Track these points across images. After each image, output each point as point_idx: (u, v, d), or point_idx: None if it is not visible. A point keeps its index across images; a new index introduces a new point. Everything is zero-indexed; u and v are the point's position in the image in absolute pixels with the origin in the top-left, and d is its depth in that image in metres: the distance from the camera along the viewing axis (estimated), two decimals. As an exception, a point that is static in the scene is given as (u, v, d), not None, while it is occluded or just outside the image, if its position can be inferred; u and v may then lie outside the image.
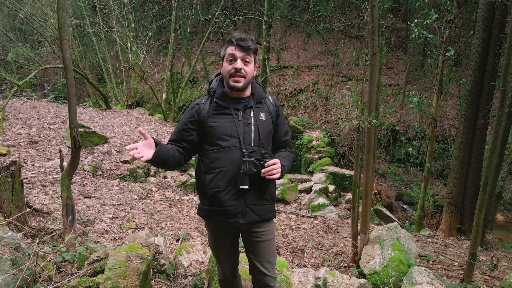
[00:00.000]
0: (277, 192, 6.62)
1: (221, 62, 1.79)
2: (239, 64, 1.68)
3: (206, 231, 4.25)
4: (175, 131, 1.82)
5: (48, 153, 6.17)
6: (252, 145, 1.72)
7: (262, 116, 1.79)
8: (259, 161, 1.63)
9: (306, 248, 4.25)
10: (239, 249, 2.02)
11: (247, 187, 1.64)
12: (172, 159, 1.68)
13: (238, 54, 1.69)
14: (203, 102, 1.80)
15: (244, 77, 1.70)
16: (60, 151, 2.92)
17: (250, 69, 1.74)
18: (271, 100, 1.89)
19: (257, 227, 1.80)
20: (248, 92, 1.81)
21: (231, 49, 1.71)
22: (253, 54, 1.75)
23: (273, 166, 1.63)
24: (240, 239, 1.94)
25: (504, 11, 5.50)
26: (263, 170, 1.62)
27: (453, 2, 5.71)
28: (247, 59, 1.71)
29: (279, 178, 1.69)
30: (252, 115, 1.76)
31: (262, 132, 1.76)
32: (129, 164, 6.69)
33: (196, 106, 1.79)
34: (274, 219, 1.89)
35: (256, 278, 1.89)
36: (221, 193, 1.70)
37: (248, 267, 1.99)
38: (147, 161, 1.53)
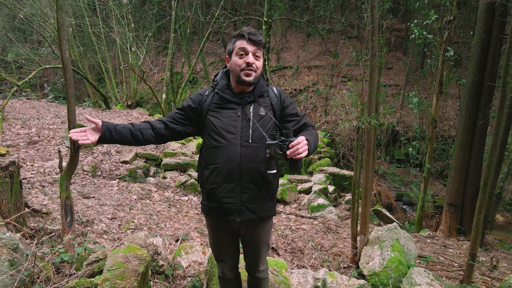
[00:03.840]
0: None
1: (227, 56, 1.76)
2: (251, 58, 1.66)
3: (206, 231, 4.26)
4: (170, 113, 1.84)
5: (48, 153, 6.16)
6: (250, 141, 1.67)
7: (262, 111, 1.72)
8: (284, 142, 1.50)
9: (306, 249, 4.24)
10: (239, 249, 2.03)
11: (275, 171, 1.55)
12: (129, 141, 1.77)
13: (250, 48, 1.67)
14: (206, 93, 1.79)
15: (255, 71, 1.68)
16: (59, 151, 2.91)
17: (260, 64, 1.73)
18: (275, 92, 1.82)
19: (254, 226, 1.80)
20: (251, 86, 1.78)
21: (241, 43, 1.68)
22: (263, 48, 1.74)
23: (299, 146, 1.48)
24: None
25: (504, 11, 5.50)
26: (288, 152, 1.49)
27: (453, 2, 5.72)
28: (257, 54, 1.69)
29: (307, 156, 1.57)
30: (251, 110, 1.72)
31: (260, 128, 1.70)
32: (128, 165, 6.69)
33: (199, 96, 1.79)
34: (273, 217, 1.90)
35: (250, 269, 1.98)
36: (217, 190, 1.69)
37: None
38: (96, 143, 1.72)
